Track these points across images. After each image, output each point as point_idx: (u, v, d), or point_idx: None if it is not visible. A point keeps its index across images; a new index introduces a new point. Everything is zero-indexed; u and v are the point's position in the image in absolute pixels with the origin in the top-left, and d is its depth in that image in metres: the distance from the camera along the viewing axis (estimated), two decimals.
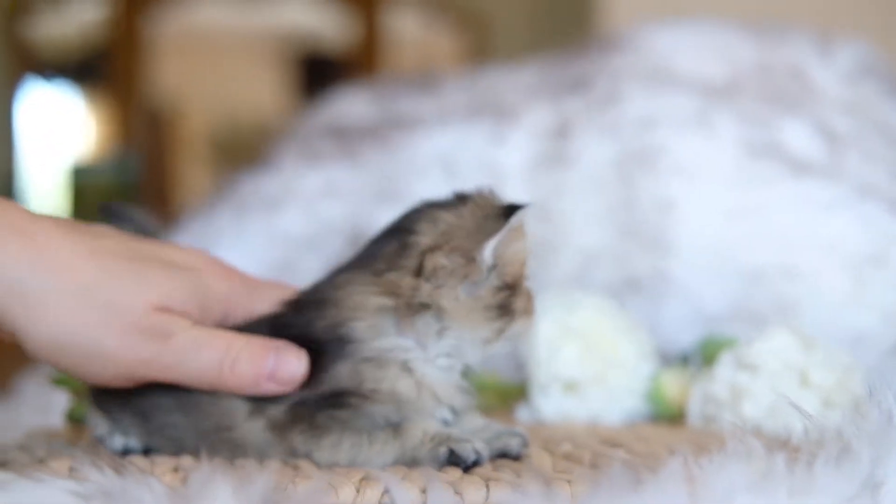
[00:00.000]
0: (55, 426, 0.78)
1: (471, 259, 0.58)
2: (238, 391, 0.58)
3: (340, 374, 0.57)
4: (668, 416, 0.84)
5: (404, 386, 0.58)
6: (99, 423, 0.64)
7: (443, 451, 0.56)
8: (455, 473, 0.55)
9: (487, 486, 0.52)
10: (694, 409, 0.79)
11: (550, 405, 0.83)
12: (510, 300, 0.59)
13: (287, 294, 0.62)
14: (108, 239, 0.59)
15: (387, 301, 0.58)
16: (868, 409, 0.54)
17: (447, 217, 0.59)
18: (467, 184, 1.14)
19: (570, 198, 1.11)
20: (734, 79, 1.21)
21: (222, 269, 0.62)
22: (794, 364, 0.75)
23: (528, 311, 0.61)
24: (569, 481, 0.53)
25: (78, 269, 0.56)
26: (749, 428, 0.72)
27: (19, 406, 1.04)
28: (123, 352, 0.56)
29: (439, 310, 0.58)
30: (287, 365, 0.58)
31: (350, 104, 1.37)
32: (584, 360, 0.82)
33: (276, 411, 0.58)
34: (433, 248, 0.58)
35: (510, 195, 1.12)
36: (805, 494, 0.48)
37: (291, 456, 0.58)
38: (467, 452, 0.56)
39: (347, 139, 1.26)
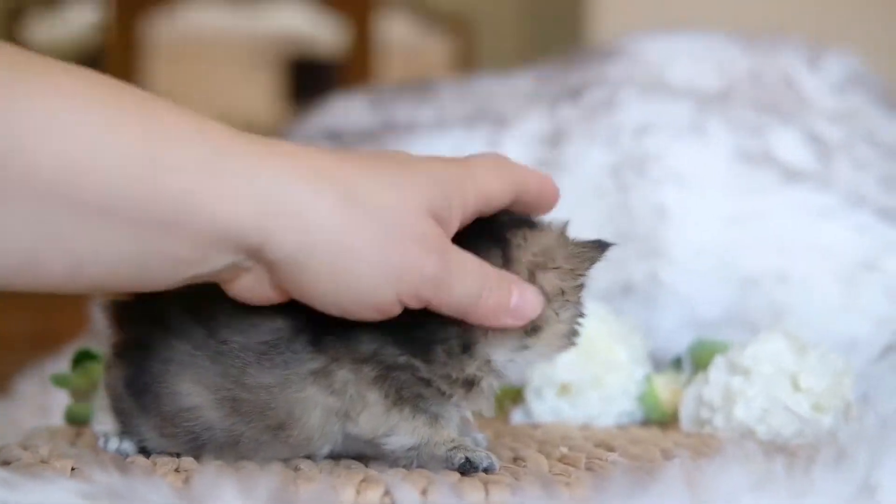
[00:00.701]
0: (56, 426, 0.78)
1: (580, 285, 0.59)
2: (479, 322, 0.56)
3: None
4: (661, 419, 0.85)
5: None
6: (103, 421, 0.63)
7: (460, 456, 0.57)
8: (454, 476, 0.56)
9: (487, 489, 0.53)
10: (686, 413, 0.80)
11: (545, 408, 0.84)
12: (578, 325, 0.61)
13: None
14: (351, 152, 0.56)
15: None
16: (863, 413, 0.55)
17: (540, 239, 0.59)
18: None
19: (565, 204, 1.11)
20: (727, 88, 1.22)
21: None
22: (787, 368, 0.75)
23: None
24: (567, 483, 0.54)
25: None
26: (742, 431, 0.73)
27: (18, 406, 1.04)
28: (407, 266, 0.52)
29: (536, 330, 0.58)
30: (528, 301, 0.56)
31: (347, 109, 1.37)
32: (580, 364, 0.83)
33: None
34: (540, 266, 0.58)
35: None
36: (804, 497, 0.48)
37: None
38: (480, 460, 0.57)
39: (345, 144, 1.26)
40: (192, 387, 0.57)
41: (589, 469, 0.61)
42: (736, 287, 1.05)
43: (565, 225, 0.61)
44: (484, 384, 0.58)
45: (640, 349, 0.86)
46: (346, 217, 0.50)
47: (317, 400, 0.57)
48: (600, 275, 1.07)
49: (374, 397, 0.57)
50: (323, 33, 3.85)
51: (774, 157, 1.12)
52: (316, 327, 0.56)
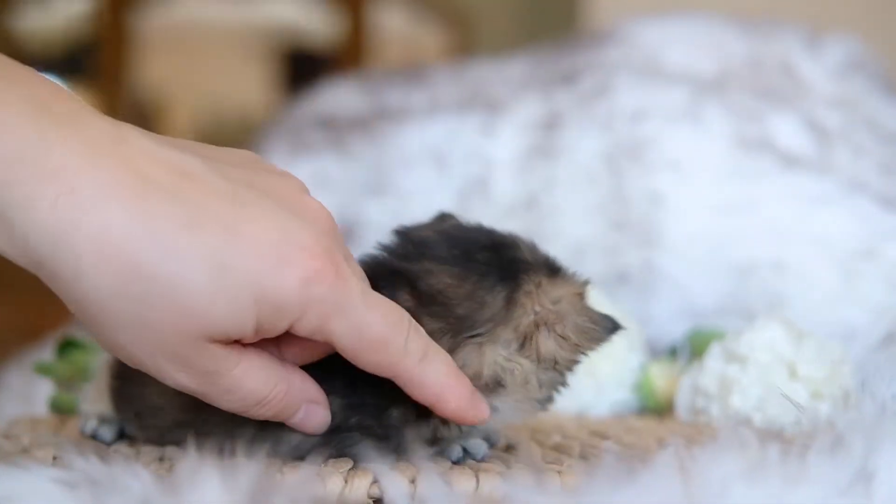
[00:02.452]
0: (39, 415, 0.77)
1: (576, 361, 0.56)
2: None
3: None
4: (657, 408, 0.84)
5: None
6: (93, 400, 0.61)
7: (457, 449, 0.55)
8: (444, 464, 0.55)
9: (477, 477, 0.52)
10: (682, 402, 0.79)
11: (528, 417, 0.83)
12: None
13: None
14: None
15: None
16: (861, 400, 0.54)
17: (553, 292, 0.54)
18: (457, 176, 1.15)
19: (559, 190, 1.10)
20: (724, 73, 1.21)
21: None
22: (784, 356, 0.74)
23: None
24: (559, 472, 0.53)
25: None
26: (738, 420, 0.72)
27: (3, 395, 1.04)
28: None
29: (509, 390, 0.55)
30: (312, 419, 0.52)
31: (339, 95, 1.36)
32: None
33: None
34: (547, 325, 0.54)
35: (500, 187, 1.13)
36: (799, 484, 0.47)
37: None
38: (478, 448, 0.56)
39: (337, 130, 1.25)
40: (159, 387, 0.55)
41: (582, 457, 0.60)
42: (732, 275, 1.04)
43: (586, 284, 0.56)
44: (447, 440, 0.55)
45: (636, 337, 0.85)
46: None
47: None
48: (595, 262, 1.07)
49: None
50: (317, 24, 3.84)
51: (772, 144, 1.11)
52: None
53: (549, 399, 0.57)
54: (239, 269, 0.45)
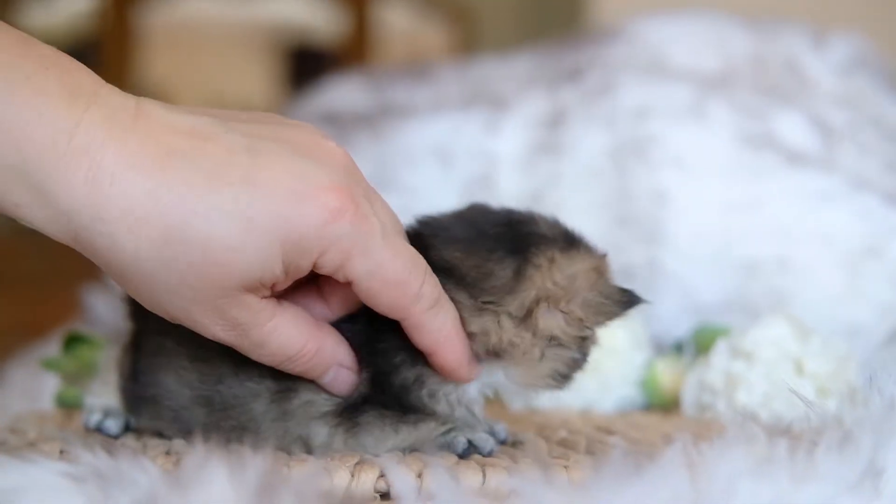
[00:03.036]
0: (44, 410, 0.77)
1: (584, 337, 0.55)
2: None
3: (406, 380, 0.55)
4: (662, 404, 0.84)
5: (442, 408, 0.56)
6: (99, 393, 0.62)
7: (462, 440, 0.55)
8: (451, 459, 0.55)
9: (484, 472, 0.52)
10: (688, 398, 0.79)
11: (544, 393, 0.83)
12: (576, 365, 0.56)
13: None
14: None
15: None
16: (868, 396, 0.54)
17: (567, 266, 0.54)
18: (462, 172, 1.15)
19: (564, 187, 1.10)
20: (728, 71, 1.21)
21: None
22: (790, 353, 0.74)
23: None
24: (566, 467, 0.53)
25: None
26: (744, 416, 0.72)
27: (8, 391, 1.04)
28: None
29: (512, 360, 0.55)
30: (341, 382, 0.54)
31: (343, 92, 1.36)
32: None
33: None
34: (550, 300, 0.54)
35: (504, 184, 1.13)
36: (807, 481, 0.47)
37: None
38: (484, 442, 0.55)
39: (341, 127, 1.25)
40: (174, 383, 0.57)
41: (589, 452, 0.60)
42: (737, 273, 1.04)
43: (603, 258, 0.56)
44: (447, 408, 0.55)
45: (641, 334, 0.85)
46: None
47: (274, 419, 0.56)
48: None
49: (321, 430, 0.55)
50: (321, 21, 3.83)
51: (777, 141, 1.11)
52: None
53: (564, 376, 0.56)
54: (261, 216, 0.47)
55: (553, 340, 0.54)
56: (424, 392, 0.55)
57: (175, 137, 0.48)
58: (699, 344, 0.85)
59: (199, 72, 4.08)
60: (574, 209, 1.09)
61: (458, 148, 1.17)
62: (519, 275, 0.53)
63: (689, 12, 1.34)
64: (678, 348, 0.88)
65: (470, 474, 0.51)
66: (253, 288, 0.49)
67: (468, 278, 0.54)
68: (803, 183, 1.07)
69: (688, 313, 1.02)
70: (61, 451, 0.55)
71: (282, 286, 0.51)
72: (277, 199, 0.47)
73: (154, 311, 0.51)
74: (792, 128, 1.12)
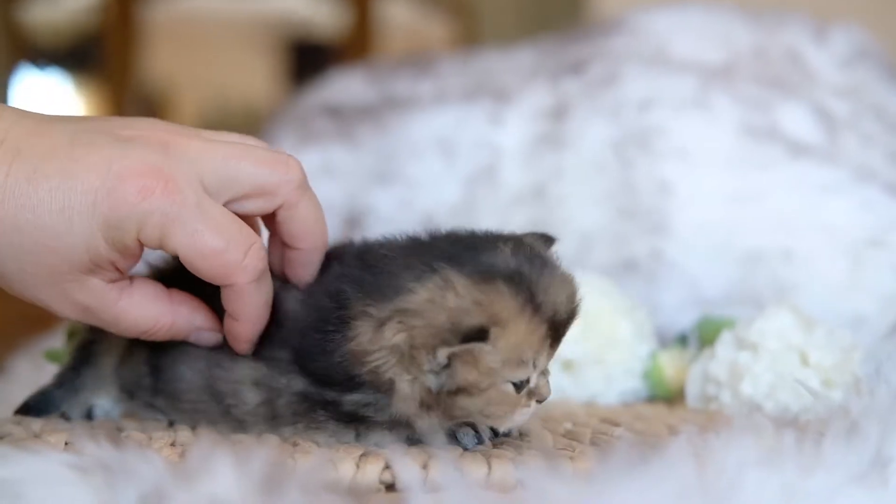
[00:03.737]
0: None
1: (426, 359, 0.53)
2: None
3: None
4: (666, 396, 0.84)
5: None
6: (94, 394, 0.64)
7: (469, 435, 0.55)
8: (456, 451, 0.55)
9: (489, 463, 0.51)
10: (693, 390, 0.79)
11: None
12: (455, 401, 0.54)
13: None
14: None
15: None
16: (874, 386, 0.54)
17: (437, 294, 0.52)
18: (465, 165, 1.15)
19: (567, 179, 1.10)
20: (731, 62, 1.21)
21: None
22: (795, 344, 0.74)
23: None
24: (571, 458, 0.53)
25: None
26: (749, 407, 0.72)
27: (11, 383, 1.03)
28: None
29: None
30: (204, 341, 0.59)
31: (346, 85, 1.36)
32: (583, 340, 0.82)
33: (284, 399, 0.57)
34: (394, 318, 0.52)
35: (508, 177, 1.12)
36: (814, 471, 0.47)
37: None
38: (467, 439, 0.55)
39: (344, 119, 1.25)
40: (187, 371, 0.60)
41: (594, 444, 0.59)
42: (740, 264, 1.03)
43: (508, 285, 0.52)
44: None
45: (645, 325, 0.85)
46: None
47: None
48: (602, 251, 1.07)
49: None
50: (323, 15, 3.83)
51: (780, 132, 1.10)
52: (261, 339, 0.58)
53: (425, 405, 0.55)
54: (79, 204, 0.51)
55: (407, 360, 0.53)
56: None
57: (23, 138, 0.52)
58: (703, 335, 0.85)
59: (202, 66, 4.08)
60: (578, 201, 1.09)
61: (461, 140, 1.17)
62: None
63: (692, 4, 1.33)
64: (682, 340, 0.88)
65: (475, 466, 0.51)
66: (89, 270, 0.53)
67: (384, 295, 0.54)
68: (807, 174, 1.07)
69: (691, 305, 1.01)
70: (66, 443, 0.55)
71: (124, 264, 0.54)
72: (90, 186, 0.51)
73: (17, 296, 0.55)
74: (795, 119, 1.12)
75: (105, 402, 0.65)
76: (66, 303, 0.55)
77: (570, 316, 0.55)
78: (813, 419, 0.54)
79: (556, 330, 0.54)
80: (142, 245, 0.54)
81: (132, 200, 0.52)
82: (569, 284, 0.55)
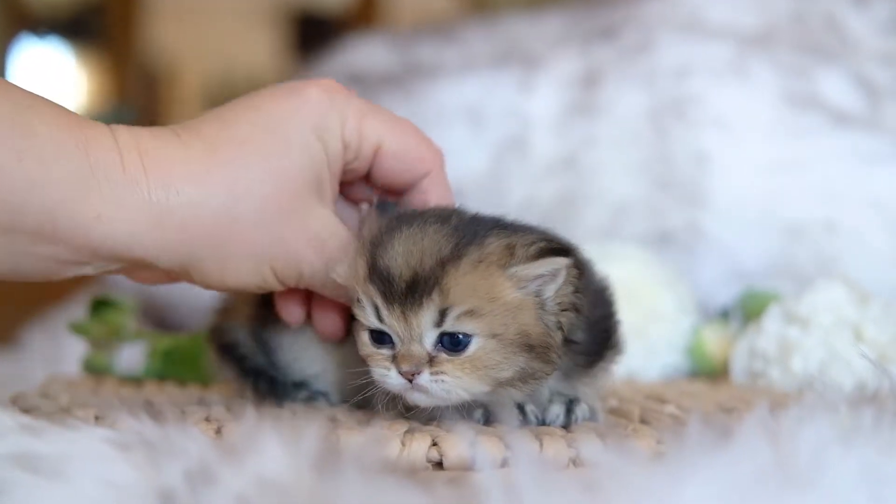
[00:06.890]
0: (72, 375, 0.74)
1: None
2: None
3: None
4: (709, 371, 0.81)
5: None
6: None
7: (479, 411, 0.54)
8: (503, 428, 0.52)
9: (541, 441, 0.49)
10: (738, 365, 0.76)
11: None
12: None
13: None
14: None
15: None
16: None
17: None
18: (494, 133, 1.12)
19: (600, 148, 1.07)
20: (769, 29, 1.17)
21: None
22: (848, 318, 0.71)
23: None
24: (658, 442, 0.50)
25: None
26: (799, 384, 0.69)
27: (27, 357, 1.01)
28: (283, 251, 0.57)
29: None
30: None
31: (366, 52, 1.32)
32: (624, 312, 0.79)
33: None
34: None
35: (539, 146, 1.09)
36: (894, 451, 0.44)
37: None
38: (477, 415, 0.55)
39: (367, 87, 1.21)
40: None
41: (644, 422, 0.57)
42: (781, 237, 1.00)
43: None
44: None
45: (687, 298, 0.82)
46: (225, 214, 0.53)
47: None
48: (637, 222, 1.04)
49: None
50: None
51: (820, 101, 1.07)
52: None
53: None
54: (289, 122, 0.56)
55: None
56: None
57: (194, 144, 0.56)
58: (747, 310, 0.82)
59: (205, 37, 4.05)
60: (611, 171, 1.06)
61: (489, 109, 1.14)
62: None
63: None
64: (724, 314, 0.85)
65: (525, 443, 0.48)
66: (316, 189, 0.56)
67: None
68: (849, 143, 1.04)
69: (730, 278, 0.98)
70: (96, 417, 0.53)
71: (359, 166, 0.58)
72: (290, 107, 0.56)
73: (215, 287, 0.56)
74: (836, 87, 1.08)
75: None
76: (300, 241, 0.56)
77: (399, 276, 0.52)
78: (890, 396, 0.51)
79: (384, 283, 0.52)
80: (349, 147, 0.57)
81: (328, 102, 0.56)
82: (417, 253, 0.53)
